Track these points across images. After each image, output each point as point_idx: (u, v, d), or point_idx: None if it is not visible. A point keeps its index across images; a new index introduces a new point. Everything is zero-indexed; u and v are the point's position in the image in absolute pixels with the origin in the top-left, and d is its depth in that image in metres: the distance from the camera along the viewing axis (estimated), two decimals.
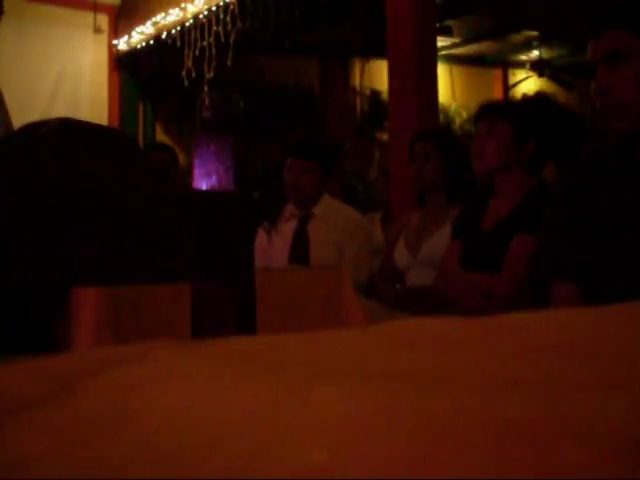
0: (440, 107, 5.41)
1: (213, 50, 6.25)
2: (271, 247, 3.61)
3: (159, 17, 6.70)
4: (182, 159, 5.09)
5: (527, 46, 8.86)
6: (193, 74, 6.42)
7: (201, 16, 6.26)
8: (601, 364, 0.36)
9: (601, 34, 1.90)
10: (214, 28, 6.14)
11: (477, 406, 0.28)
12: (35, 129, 0.86)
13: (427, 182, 3.25)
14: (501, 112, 2.78)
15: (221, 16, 6.06)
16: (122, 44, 7.31)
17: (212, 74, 6.31)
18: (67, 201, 0.89)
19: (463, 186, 3.21)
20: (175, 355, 0.39)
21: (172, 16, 6.55)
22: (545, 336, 0.44)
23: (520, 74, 9.49)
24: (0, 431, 0.29)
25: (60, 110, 6.66)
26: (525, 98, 3.16)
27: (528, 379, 0.33)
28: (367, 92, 8.75)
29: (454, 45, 8.50)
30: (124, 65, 7.48)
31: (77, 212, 0.90)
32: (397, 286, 3.22)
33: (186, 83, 6.45)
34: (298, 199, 3.61)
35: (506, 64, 9.56)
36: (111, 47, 7.42)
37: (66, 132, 0.89)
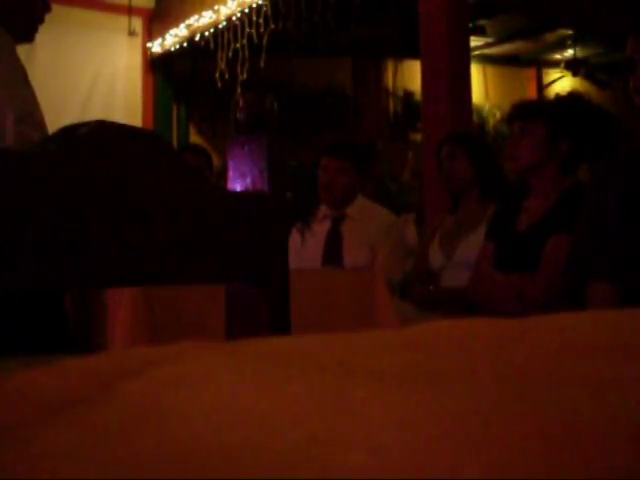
0: (474, 107, 5.38)
1: (246, 52, 6.27)
2: (305, 248, 3.62)
3: (192, 20, 6.73)
4: (216, 161, 5.12)
5: (561, 45, 8.78)
6: (226, 76, 6.45)
7: (234, 18, 6.28)
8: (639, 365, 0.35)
9: None
10: (247, 30, 6.16)
11: (513, 407, 0.28)
12: (72, 131, 0.87)
13: (458, 183, 3.25)
14: (535, 112, 2.76)
15: (254, 18, 6.08)
16: (156, 47, 7.36)
17: (245, 76, 6.33)
18: (103, 202, 0.90)
19: (494, 185, 3.20)
20: (211, 355, 0.40)
21: (205, 18, 6.58)
22: (582, 337, 0.43)
23: (554, 73, 9.41)
24: (39, 431, 0.29)
25: (95, 112, 6.72)
26: (558, 98, 3.13)
27: (564, 380, 0.33)
28: (400, 93, 8.73)
29: (487, 45, 8.45)
30: (158, 67, 7.53)
31: (112, 213, 0.90)
32: (431, 287, 3.21)
33: (219, 85, 6.48)
34: (332, 199, 3.62)
35: (540, 63, 9.48)
36: (145, 50, 7.47)
37: (102, 134, 0.90)
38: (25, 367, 0.38)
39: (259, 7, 6.03)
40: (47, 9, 2.30)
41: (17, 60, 2.06)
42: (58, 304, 2.01)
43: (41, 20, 2.29)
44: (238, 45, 6.28)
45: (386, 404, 0.29)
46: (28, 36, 2.26)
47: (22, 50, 2.18)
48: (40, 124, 2.03)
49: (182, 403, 0.30)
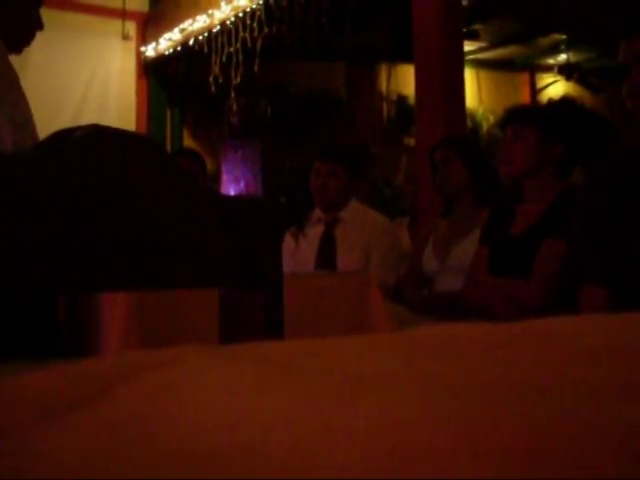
0: (467, 112, 5.39)
1: (240, 56, 6.27)
2: (298, 252, 3.62)
3: (186, 24, 6.73)
4: (210, 165, 5.12)
5: (555, 49, 8.81)
6: (220, 80, 6.45)
7: (228, 22, 6.29)
8: (633, 370, 0.35)
9: (633, 34, 1.89)
10: (241, 34, 6.16)
11: (506, 411, 0.28)
12: (66, 135, 0.87)
13: (452, 188, 3.25)
14: (528, 117, 2.77)
15: (248, 22, 6.08)
16: (150, 51, 7.36)
17: (239, 80, 6.34)
18: (97, 206, 0.89)
19: (489, 190, 3.20)
20: (205, 359, 0.40)
21: (199, 23, 6.58)
22: (575, 342, 0.43)
23: (548, 78, 9.44)
24: (34, 435, 0.29)
25: (89, 116, 6.72)
26: (551, 102, 3.14)
27: (558, 385, 0.33)
28: (394, 97, 8.74)
29: (481, 49, 8.47)
30: (152, 71, 7.53)
31: (106, 217, 0.90)
32: (425, 291, 3.21)
33: (213, 89, 6.48)
34: (324, 203, 3.62)
35: (533, 68, 9.51)
36: (139, 54, 7.47)
37: (96, 138, 0.90)
38: (20, 371, 0.38)
39: (253, 11, 6.03)
40: (39, 27, 2.32)
41: (10, 67, 2.06)
42: (50, 309, 2.01)
43: (32, 36, 2.31)
44: (232, 49, 6.29)
45: (378, 407, 0.29)
46: (18, 48, 2.27)
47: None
48: (32, 132, 2.03)
49: (175, 406, 0.30)
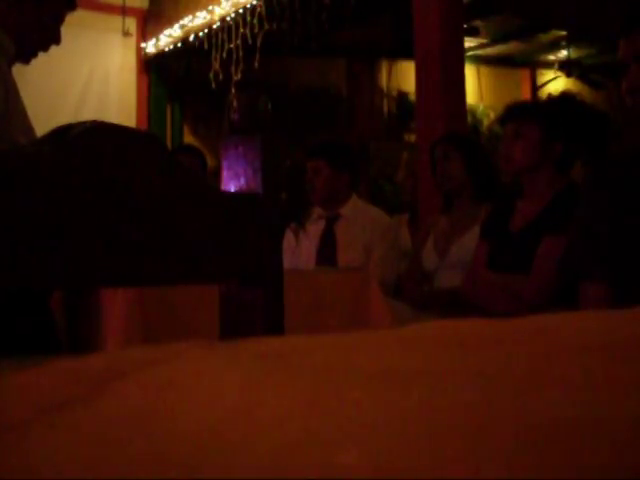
0: (468, 108, 5.39)
1: (240, 52, 6.27)
2: (299, 248, 3.62)
3: (187, 20, 6.73)
4: (210, 161, 5.12)
5: (555, 46, 8.80)
6: (220, 76, 6.45)
7: (228, 18, 6.29)
8: (633, 365, 0.35)
9: (632, 33, 1.89)
10: (241, 30, 6.16)
11: (507, 406, 0.28)
12: (66, 131, 0.87)
13: (452, 184, 3.25)
14: (528, 114, 2.77)
15: (248, 18, 6.08)
16: (150, 47, 7.35)
17: (239, 76, 6.33)
18: (97, 203, 0.89)
19: (488, 186, 3.20)
20: (205, 355, 0.40)
21: (199, 19, 6.58)
22: (576, 337, 0.43)
23: (548, 74, 9.43)
24: (32, 431, 0.29)
25: (89, 113, 6.71)
26: (551, 99, 3.14)
27: (558, 380, 0.33)
28: (394, 93, 8.73)
29: (481, 46, 8.46)
30: (152, 68, 7.52)
31: (107, 214, 0.90)
32: (425, 288, 3.21)
33: (213, 85, 6.48)
34: (316, 199, 3.64)
35: (534, 64, 9.50)
36: (139, 50, 7.46)
37: (97, 134, 0.90)
38: (19, 368, 0.38)
39: (253, 7, 6.03)
40: (56, 41, 2.25)
41: None
42: (42, 306, 2.00)
43: (45, 49, 2.24)
44: (232, 45, 6.28)
45: (378, 404, 0.29)
46: (26, 57, 2.21)
47: None
48: (29, 129, 1.97)
49: (175, 403, 0.30)
